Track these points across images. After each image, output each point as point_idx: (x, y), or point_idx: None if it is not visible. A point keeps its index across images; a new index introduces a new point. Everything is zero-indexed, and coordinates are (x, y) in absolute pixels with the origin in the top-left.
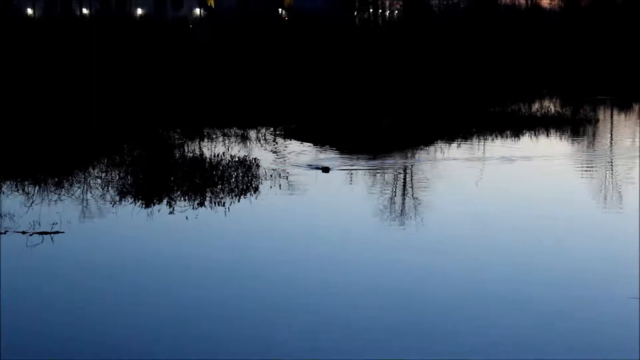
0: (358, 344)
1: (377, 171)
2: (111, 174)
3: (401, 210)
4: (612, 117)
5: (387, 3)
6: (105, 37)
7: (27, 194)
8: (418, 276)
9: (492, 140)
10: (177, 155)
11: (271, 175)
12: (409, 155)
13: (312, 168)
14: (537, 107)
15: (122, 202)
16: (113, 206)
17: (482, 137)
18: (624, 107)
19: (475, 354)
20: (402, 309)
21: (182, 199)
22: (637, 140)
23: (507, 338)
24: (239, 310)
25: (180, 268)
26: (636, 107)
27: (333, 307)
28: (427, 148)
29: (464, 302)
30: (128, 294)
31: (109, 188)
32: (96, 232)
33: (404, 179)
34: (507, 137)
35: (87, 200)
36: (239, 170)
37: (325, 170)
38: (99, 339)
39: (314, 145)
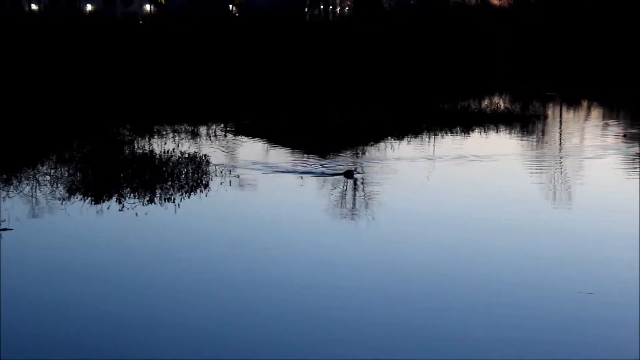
0: (306, 340)
1: (327, 170)
2: (60, 171)
3: (352, 208)
4: (561, 113)
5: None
6: (54, 34)
7: None
8: (369, 273)
9: (442, 136)
10: (127, 151)
11: (221, 172)
12: (359, 153)
13: (328, 174)
14: (486, 103)
15: (72, 199)
16: (62, 203)
17: (432, 134)
18: (573, 103)
19: (430, 351)
20: (350, 305)
21: (132, 195)
22: (585, 137)
23: (455, 334)
24: (191, 308)
25: (130, 264)
26: (584, 103)
27: (282, 303)
28: (378, 145)
29: (413, 299)
30: (78, 291)
31: (58, 185)
32: (45, 229)
33: (354, 176)
34: (456, 134)
35: (36, 197)
36: (189, 167)
37: (349, 174)
38: (46, 337)
39: (265, 142)
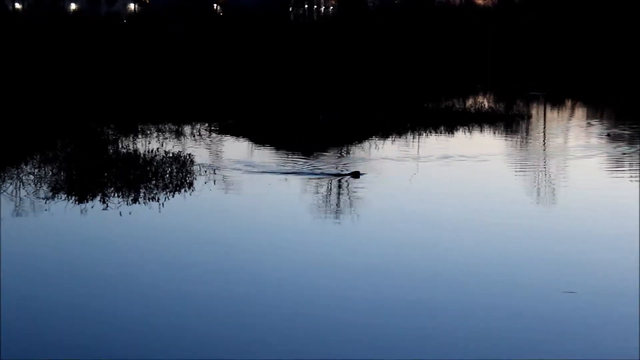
0: (292, 339)
1: (313, 169)
2: (44, 170)
3: (336, 208)
4: (545, 113)
5: None
6: (38, 32)
7: None
8: (354, 273)
9: (427, 136)
10: (111, 151)
11: (205, 171)
12: (345, 152)
13: (334, 175)
14: (471, 102)
15: (56, 199)
16: (46, 202)
17: (416, 133)
18: (557, 102)
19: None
20: (335, 305)
21: (116, 195)
22: (569, 136)
23: (439, 333)
24: (174, 307)
25: (114, 264)
26: (568, 103)
27: (267, 302)
28: (362, 145)
29: (397, 299)
30: (61, 290)
31: (42, 184)
32: (29, 229)
33: (340, 177)
34: (441, 133)
35: (19, 196)
36: (174, 166)
37: (355, 175)
38: (32, 337)
39: (250, 141)
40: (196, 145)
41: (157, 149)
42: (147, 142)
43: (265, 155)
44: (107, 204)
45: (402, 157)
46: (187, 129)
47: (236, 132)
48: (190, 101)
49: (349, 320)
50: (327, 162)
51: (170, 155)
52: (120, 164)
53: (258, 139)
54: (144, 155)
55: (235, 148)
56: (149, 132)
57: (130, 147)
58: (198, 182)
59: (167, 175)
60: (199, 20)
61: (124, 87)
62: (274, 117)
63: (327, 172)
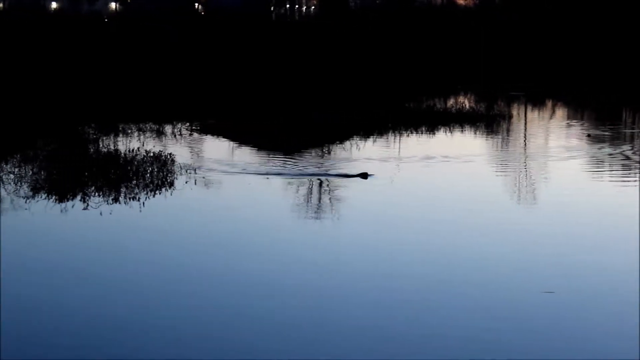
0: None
1: (294, 169)
2: (25, 169)
3: (318, 209)
4: (525, 113)
5: None
6: (20, 31)
7: None
8: (332, 271)
9: (407, 136)
10: (92, 150)
11: (186, 171)
12: (326, 152)
13: (342, 176)
14: (452, 103)
15: (36, 198)
16: (26, 202)
17: (397, 133)
18: (537, 103)
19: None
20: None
21: (97, 194)
22: (550, 137)
23: (418, 333)
24: (154, 306)
25: (95, 263)
26: (549, 103)
27: (248, 302)
28: (344, 144)
29: (377, 299)
30: (41, 289)
31: (23, 183)
32: (9, 228)
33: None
34: (422, 133)
35: (0, 195)
36: (154, 166)
37: (364, 176)
38: (11, 336)
39: (231, 141)
40: (177, 145)
41: (138, 148)
42: (128, 142)
43: (250, 155)
44: (87, 204)
45: (385, 157)
46: (168, 129)
47: (218, 132)
48: (171, 100)
49: (333, 320)
50: (313, 162)
51: (151, 154)
52: (101, 163)
53: (239, 139)
54: (125, 154)
55: (216, 147)
56: (130, 131)
57: (111, 146)
58: (179, 182)
59: (148, 175)
60: (184, 20)
61: (105, 87)
62: (255, 116)
63: (333, 173)
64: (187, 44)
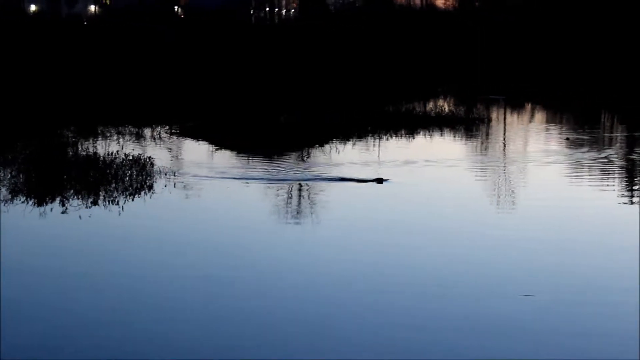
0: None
1: (273, 173)
2: (3, 172)
3: (298, 213)
4: (505, 117)
5: (284, 1)
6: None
7: None
8: (312, 275)
9: (387, 139)
10: (71, 153)
11: (165, 174)
12: (306, 157)
13: (358, 180)
14: (432, 106)
15: (14, 201)
16: (5, 205)
17: (377, 136)
18: (517, 106)
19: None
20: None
21: (76, 197)
22: (529, 141)
23: (396, 337)
24: (132, 310)
25: (73, 266)
26: (528, 107)
27: (226, 304)
28: (323, 148)
29: (356, 303)
30: (19, 293)
31: (0, 187)
32: None
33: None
34: (401, 137)
35: None
36: (134, 169)
37: (379, 181)
38: None
39: (210, 144)
40: (156, 148)
41: (117, 151)
42: (108, 145)
43: (229, 158)
44: (66, 207)
45: (366, 161)
46: (147, 132)
47: (197, 135)
48: (151, 103)
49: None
50: (287, 166)
51: (130, 157)
52: (80, 167)
53: (219, 142)
54: (104, 157)
55: (195, 150)
56: (109, 134)
57: (90, 149)
58: (158, 185)
59: (127, 178)
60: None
61: (85, 89)
62: (235, 119)
63: (348, 178)
64: (168, 47)
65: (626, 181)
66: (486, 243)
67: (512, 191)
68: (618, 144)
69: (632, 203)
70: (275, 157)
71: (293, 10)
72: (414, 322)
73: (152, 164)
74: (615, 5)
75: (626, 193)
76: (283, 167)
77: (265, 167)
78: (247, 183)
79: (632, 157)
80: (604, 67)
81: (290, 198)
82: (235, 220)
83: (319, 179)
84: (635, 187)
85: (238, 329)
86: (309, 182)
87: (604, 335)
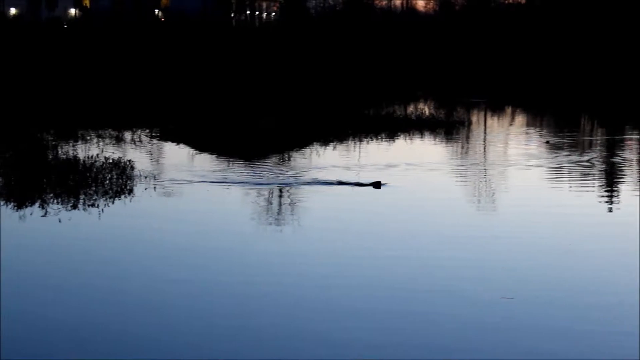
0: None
1: (253, 177)
2: None
3: (277, 218)
4: (485, 120)
5: (264, 5)
6: None
7: None
8: (292, 278)
9: (367, 142)
10: (51, 156)
11: (146, 178)
12: (286, 159)
13: (355, 184)
14: (412, 109)
15: None
16: None
17: (357, 140)
18: (497, 109)
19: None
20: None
21: (56, 201)
22: (509, 144)
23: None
24: (112, 312)
25: (52, 268)
26: (508, 110)
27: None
28: (304, 151)
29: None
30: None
31: None
32: None
33: (280, 184)
34: (382, 140)
35: None
36: (113, 172)
37: (377, 185)
38: None
39: (191, 147)
40: (137, 151)
41: (97, 154)
42: (87, 148)
43: (207, 162)
44: (46, 210)
45: (348, 165)
46: (127, 135)
47: (177, 138)
48: (132, 106)
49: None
50: (266, 169)
51: (111, 161)
52: (60, 170)
53: (199, 145)
54: (84, 161)
55: (176, 154)
56: (89, 137)
57: (70, 152)
58: (138, 189)
59: (107, 182)
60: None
61: (65, 93)
62: (215, 122)
63: (346, 182)
64: (147, 50)
65: (605, 184)
66: (468, 247)
67: (493, 194)
68: (597, 147)
69: (611, 204)
70: (256, 160)
71: (274, 14)
72: (393, 325)
73: (132, 168)
74: (595, 11)
75: (605, 195)
76: (264, 171)
77: (247, 171)
78: (228, 187)
79: (611, 159)
80: (584, 71)
81: (271, 202)
82: (213, 224)
83: (317, 182)
84: (615, 190)
85: (216, 330)
86: (303, 186)
87: (583, 336)
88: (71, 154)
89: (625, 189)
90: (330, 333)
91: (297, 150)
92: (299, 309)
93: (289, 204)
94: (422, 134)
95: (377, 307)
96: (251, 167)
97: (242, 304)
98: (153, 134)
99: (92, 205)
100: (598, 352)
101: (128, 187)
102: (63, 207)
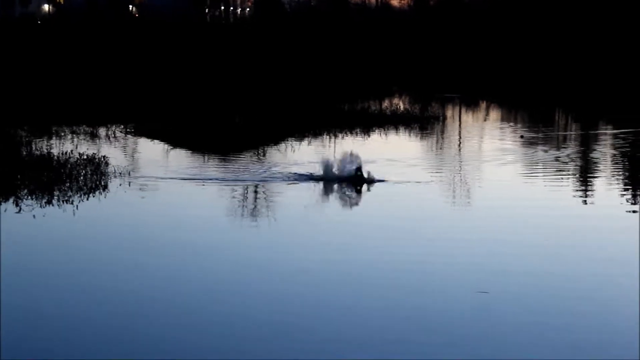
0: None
1: (228, 174)
2: None
3: (252, 214)
4: (460, 115)
5: (239, 0)
6: None
7: None
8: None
9: (342, 138)
10: (24, 153)
11: (120, 174)
12: (261, 155)
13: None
14: (387, 104)
15: None
16: None
17: (332, 135)
18: (471, 104)
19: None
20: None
21: (30, 197)
22: (484, 139)
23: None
24: (88, 310)
25: (26, 266)
26: (482, 105)
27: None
28: (279, 147)
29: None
30: None
31: None
32: None
33: (255, 181)
34: (356, 135)
35: None
36: (88, 168)
37: (371, 182)
38: None
39: (165, 143)
40: (111, 147)
41: (72, 151)
42: (62, 144)
43: (183, 158)
44: (20, 207)
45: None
46: (102, 131)
47: (152, 134)
48: (106, 103)
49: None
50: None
51: (85, 157)
52: (34, 166)
53: (174, 142)
54: (58, 157)
55: (151, 150)
56: (63, 134)
57: (44, 149)
58: (112, 185)
59: (82, 178)
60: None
61: (39, 89)
62: (190, 118)
63: (344, 177)
64: (121, 46)
65: (580, 179)
66: (441, 241)
67: (467, 190)
68: (572, 142)
69: (585, 198)
70: (232, 156)
71: (248, 9)
72: (368, 321)
73: (106, 164)
74: (567, 5)
75: (580, 190)
76: (240, 167)
77: (222, 167)
78: (204, 184)
79: (586, 155)
80: (558, 66)
81: (246, 198)
82: (188, 220)
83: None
84: (589, 184)
85: (193, 327)
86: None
87: (559, 331)
88: (45, 150)
89: (599, 183)
90: (312, 329)
91: (271, 146)
92: (271, 303)
93: (265, 200)
94: (397, 129)
95: (357, 304)
96: (226, 162)
97: (225, 300)
98: (128, 131)
99: (67, 201)
100: (579, 346)
101: (102, 183)
102: (37, 204)
